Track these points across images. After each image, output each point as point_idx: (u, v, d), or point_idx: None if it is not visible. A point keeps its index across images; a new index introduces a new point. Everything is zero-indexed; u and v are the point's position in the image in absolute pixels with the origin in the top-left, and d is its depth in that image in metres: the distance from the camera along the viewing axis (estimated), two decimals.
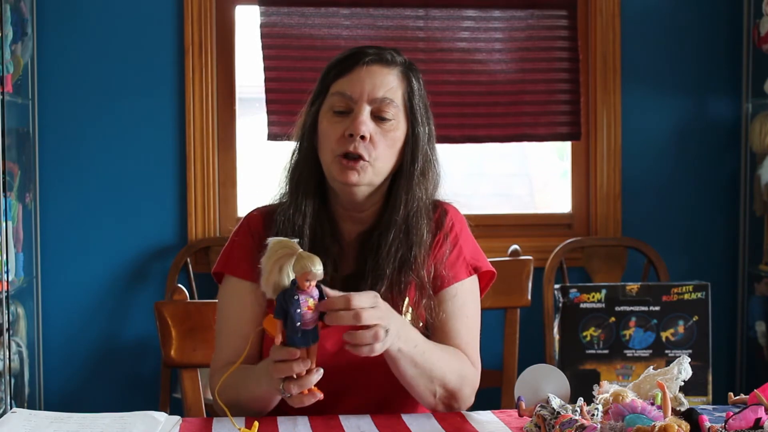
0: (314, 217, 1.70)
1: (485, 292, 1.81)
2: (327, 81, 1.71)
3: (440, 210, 1.76)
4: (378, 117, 1.67)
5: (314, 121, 1.71)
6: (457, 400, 1.66)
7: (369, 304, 1.46)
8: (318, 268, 1.38)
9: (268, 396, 1.60)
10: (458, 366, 1.66)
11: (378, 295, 1.50)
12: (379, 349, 1.48)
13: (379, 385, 1.68)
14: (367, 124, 1.65)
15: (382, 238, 1.68)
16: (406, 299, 1.69)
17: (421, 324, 1.70)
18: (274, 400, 1.62)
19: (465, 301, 1.73)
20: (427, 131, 1.72)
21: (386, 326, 1.47)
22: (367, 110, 1.66)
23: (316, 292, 1.41)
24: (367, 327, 1.46)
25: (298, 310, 1.39)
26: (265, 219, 1.75)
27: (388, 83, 1.68)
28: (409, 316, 1.69)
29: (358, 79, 1.67)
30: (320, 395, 1.46)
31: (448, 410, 1.67)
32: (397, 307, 1.66)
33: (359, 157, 1.64)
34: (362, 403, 1.68)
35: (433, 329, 1.71)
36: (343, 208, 1.73)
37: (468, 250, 1.75)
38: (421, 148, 1.70)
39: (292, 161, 1.75)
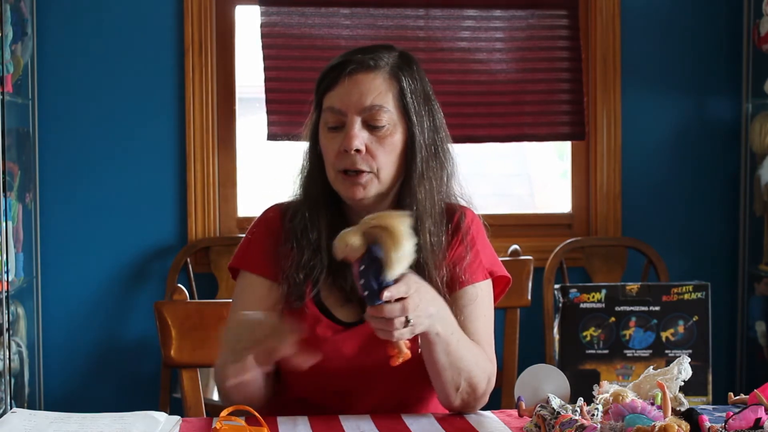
0: (330, 229, 1.66)
1: (501, 298, 1.80)
2: (320, 94, 1.68)
3: (459, 213, 1.73)
4: (371, 126, 1.63)
5: (315, 134, 1.70)
6: (476, 398, 1.63)
7: (399, 294, 1.44)
8: (351, 240, 1.43)
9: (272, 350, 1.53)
10: (484, 362, 1.64)
11: (412, 283, 1.47)
12: (396, 335, 1.46)
13: (395, 388, 1.67)
14: (359, 137, 1.62)
15: None
16: None
17: None
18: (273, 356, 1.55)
19: (483, 300, 1.71)
20: (428, 126, 1.68)
21: (413, 316, 1.46)
22: (357, 122, 1.62)
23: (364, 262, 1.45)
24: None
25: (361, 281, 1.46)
26: (284, 216, 1.73)
27: (375, 89, 1.63)
28: None
29: (345, 91, 1.63)
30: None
31: (465, 409, 1.64)
32: None
33: (361, 171, 1.62)
34: (378, 404, 1.66)
35: None
36: (358, 216, 1.70)
37: (485, 254, 1.74)
38: (419, 148, 1.66)
39: (303, 169, 1.73)
